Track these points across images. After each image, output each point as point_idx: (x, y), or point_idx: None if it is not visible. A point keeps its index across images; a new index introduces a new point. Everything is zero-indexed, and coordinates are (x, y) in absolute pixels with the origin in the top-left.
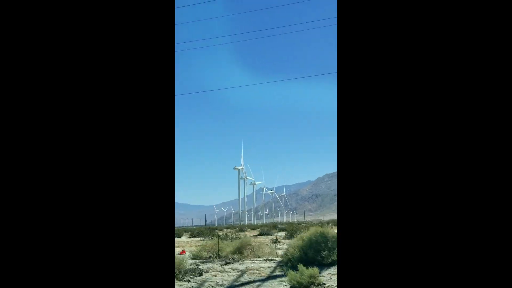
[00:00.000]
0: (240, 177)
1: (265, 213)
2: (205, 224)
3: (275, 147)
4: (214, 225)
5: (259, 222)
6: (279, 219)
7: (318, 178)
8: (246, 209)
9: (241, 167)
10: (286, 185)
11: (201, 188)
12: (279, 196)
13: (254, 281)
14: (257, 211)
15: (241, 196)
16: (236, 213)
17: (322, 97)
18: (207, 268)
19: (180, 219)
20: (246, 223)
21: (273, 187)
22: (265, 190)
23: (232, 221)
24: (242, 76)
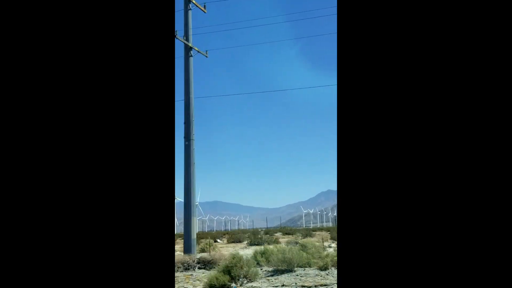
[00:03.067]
0: None
1: (335, 215)
2: (279, 226)
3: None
4: (284, 226)
5: (329, 225)
6: None
7: None
8: (312, 211)
9: None
10: None
11: (263, 190)
12: None
13: None
14: (326, 213)
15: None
16: (303, 215)
17: None
18: None
19: (244, 221)
20: (318, 225)
21: None
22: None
23: (302, 223)
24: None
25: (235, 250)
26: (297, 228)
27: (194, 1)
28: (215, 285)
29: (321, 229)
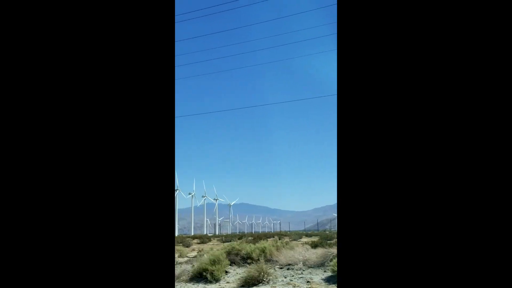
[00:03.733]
0: None
1: None
2: (304, 230)
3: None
4: (317, 230)
5: None
6: None
7: None
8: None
9: None
10: None
11: (290, 193)
12: None
13: None
14: None
15: None
16: (333, 219)
17: None
18: None
19: (273, 223)
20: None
21: None
22: None
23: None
24: None
25: None
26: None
27: None
28: None
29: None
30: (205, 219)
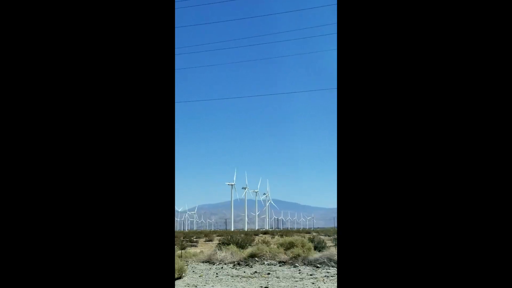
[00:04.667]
0: None
1: None
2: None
3: None
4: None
5: None
6: None
7: None
8: None
9: None
10: None
11: (321, 190)
12: None
13: None
14: None
15: None
16: None
17: None
18: None
19: (307, 220)
20: None
21: None
22: None
23: None
24: None
25: None
26: None
27: None
28: None
29: None
30: (256, 213)
